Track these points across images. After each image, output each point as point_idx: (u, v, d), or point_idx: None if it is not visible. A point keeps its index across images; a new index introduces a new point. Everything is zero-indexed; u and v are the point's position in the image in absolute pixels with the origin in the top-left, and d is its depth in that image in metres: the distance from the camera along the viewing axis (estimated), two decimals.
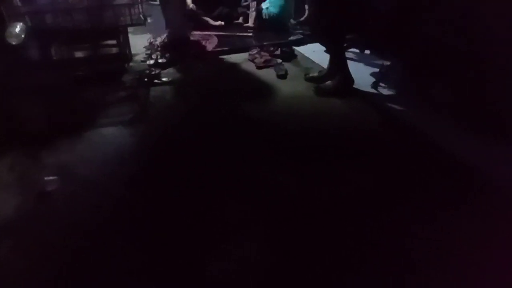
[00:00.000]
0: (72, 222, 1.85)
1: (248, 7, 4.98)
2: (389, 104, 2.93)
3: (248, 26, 4.80)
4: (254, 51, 4.03)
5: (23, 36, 2.86)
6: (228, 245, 1.69)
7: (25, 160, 2.30)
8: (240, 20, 5.01)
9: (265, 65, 3.78)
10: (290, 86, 3.32)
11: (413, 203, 1.90)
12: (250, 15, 4.86)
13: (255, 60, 3.88)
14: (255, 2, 4.86)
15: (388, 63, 3.22)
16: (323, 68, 3.45)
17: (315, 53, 4.00)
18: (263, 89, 3.29)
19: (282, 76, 3.52)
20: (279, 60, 3.85)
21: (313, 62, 3.84)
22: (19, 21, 3.02)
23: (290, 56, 3.97)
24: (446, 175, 2.11)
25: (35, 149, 2.39)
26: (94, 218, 1.87)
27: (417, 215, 1.83)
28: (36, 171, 2.20)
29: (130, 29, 3.85)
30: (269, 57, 3.89)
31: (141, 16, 3.49)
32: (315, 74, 3.38)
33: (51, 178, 2.10)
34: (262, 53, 3.99)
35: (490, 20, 2.36)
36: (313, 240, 1.71)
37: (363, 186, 2.03)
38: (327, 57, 3.29)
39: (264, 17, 4.72)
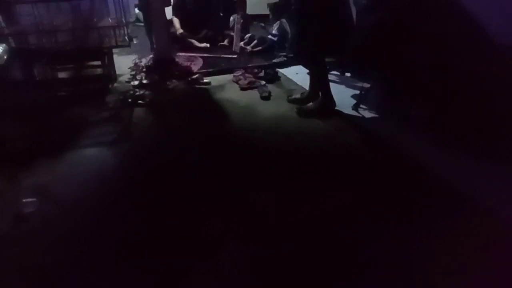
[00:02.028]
0: (50, 245, 1.81)
1: (233, 29, 5.10)
2: (370, 125, 3.00)
3: (234, 52, 4.88)
4: (239, 72, 4.10)
5: (5, 57, 2.86)
6: (207, 263, 1.68)
7: (3, 180, 2.27)
8: (225, 42, 5.12)
9: (249, 86, 3.84)
10: (273, 107, 3.38)
11: (393, 220, 1.93)
12: (235, 41, 4.97)
13: (239, 82, 3.94)
14: (240, 27, 4.98)
15: (368, 85, 3.32)
16: (305, 89, 3.53)
17: (298, 75, 4.10)
18: (247, 110, 3.34)
19: (266, 98, 3.59)
20: (263, 82, 3.93)
21: (296, 84, 3.93)
22: (2, 42, 3.03)
23: (274, 78, 4.06)
24: (426, 193, 2.15)
25: (14, 169, 2.35)
26: (73, 241, 1.83)
27: (397, 232, 1.85)
28: (15, 192, 2.16)
29: (115, 50, 3.89)
30: (253, 79, 3.96)
31: (126, 37, 3.55)
32: (298, 95, 3.45)
33: (29, 200, 2.06)
34: (247, 74, 4.06)
35: (465, 43, 2.49)
36: (293, 257, 1.71)
37: (343, 204, 2.06)
38: (309, 79, 3.37)
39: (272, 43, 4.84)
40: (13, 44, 3.26)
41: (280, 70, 4.27)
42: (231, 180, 2.31)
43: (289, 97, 3.47)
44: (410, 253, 1.72)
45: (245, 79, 3.96)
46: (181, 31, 5.01)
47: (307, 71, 3.86)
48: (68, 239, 1.85)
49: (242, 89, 3.82)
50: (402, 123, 2.96)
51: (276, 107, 3.37)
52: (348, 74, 3.86)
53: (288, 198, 2.13)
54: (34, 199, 2.08)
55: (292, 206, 2.06)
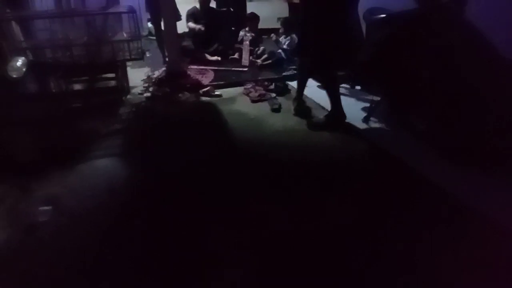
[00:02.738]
0: (60, 255, 1.83)
1: (242, 43, 5.18)
2: (379, 138, 2.99)
3: (244, 65, 4.93)
4: (249, 85, 4.14)
5: (24, 69, 2.94)
6: (213, 278, 1.68)
7: (16, 191, 2.31)
8: (236, 56, 5.18)
9: (260, 98, 3.87)
10: (283, 120, 3.39)
11: (402, 235, 1.90)
12: (243, 55, 5.04)
13: (250, 94, 3.98)
14: (248, 42, 5.06)
15: (377, 98, 3.31)
16: (315, 103, 3.54)
17: (308, 88, 4.11)
18: (257, 122, 3.36)
19: (276, 110, 3.61)
20: (273, 94, 3.95)
21: (306, 96, 3.93)
22: (21, 55, 3.12)
23: (284, 90, 4.08)
24: (435, 208, 2.13)
25: (27, 180, 2.40)
26: (82, 252, 1.85)
27: (406, 249, 1.82)
28: (26, 203, 2.20)
29: (128, 63, 3.97)
30: (264, 92, 3.99)
31: (139, 51, 3.62)
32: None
33: (44, 208, 2.10)
34: (257, 87, 4.10)
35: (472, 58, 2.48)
36: (299, 273, 1.70)
37: (350, 219, 2.04)
38: (319, 91, 3.38)
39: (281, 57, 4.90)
40: (30, 57, 3.36)
41: (290, 83, 4.30)
42: (241, 193, 2.31)
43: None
44: (415, 262, 1.69)
45: (255, 92, 4.00)
46: (199, 26, 5.09)
47: (317, 83, 3.90)
48: (78, 251, 1.86)
49: (253, 101, 3.85)
50: (410, 137, 2.94)
51: (286, 120, 3.38)
52: (358, 87, 3.85)
53: (296, 211, 2.12)
54: (49, 207, 2.12)
55: (299, 219, 2.06)
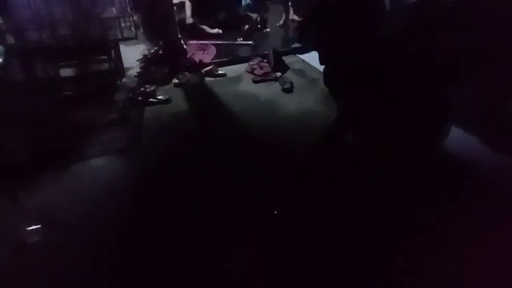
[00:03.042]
0: (54, 280, 1.57)
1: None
2: None
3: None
4: (255, 61, 3.76)
5: (1, 60, 2.58)
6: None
7: (2, 201, 2.02)
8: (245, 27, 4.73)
9: (263, 78, 3.49)
10: (297, 101, 3.04)
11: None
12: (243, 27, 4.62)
13: (255, 72, 3.61)
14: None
15: None
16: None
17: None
18: (267, 106, 3.01)
19: (288, 90, 3.25)
20: (279, 74, 3.56)
21: (320, 72, 3.55)
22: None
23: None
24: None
25: (14, 187, 2.11)
26: (80, 275, 1.58)
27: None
28: (15, 216, 1.92)
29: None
30: (269, 69, 3.60)
31: (132, 29, 3.22)
32: None
33: (32, 228, 1.82)
34: (262, 63, 3.72)
35: None
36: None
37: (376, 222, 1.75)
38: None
39: None
40: (10, 42, 2.98)
41: (301, 56, 3.91)
42: (252, 186, 2.03)
43: None
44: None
45: (260, 69, 3.62)
46: (190, 20, 4.64)
47: None
48: (74, 273, 1.59)
49: (257, 80, 3.48)
50: None
51: (300, 101, 3.03)
52: None
53: (312, 206, 1.85)
54: (38, 226, 1.84)
55: (316, 214, 1.79)
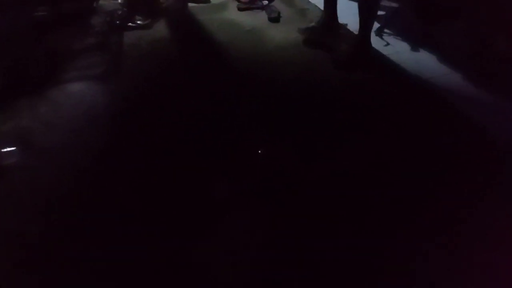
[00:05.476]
0: (33, 203, 1.59)
1: None
2: (395, 55, 2.61)
3: None
4: None
5: None
6: (215, 230, 1.48)
7: None
8: None
9: (248, 7, 3.31)
10: (284, 32, 2.93)
11: (425, 183, 1.69)
12: None
13: None
14: None
15: (395, 5, 2.83)
16: (320, 9, 3.02)
17: None
18: (253, 35, 2.90)
19: (275, 19, 3.11)
20: (266, 2, 3.37)
21: (308, 2, 3.40)
22: None
23: None
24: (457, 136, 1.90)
25: None
26: (58, 200, 1.61)
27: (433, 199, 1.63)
28: None
29: None
30: None
31: None
32: (312, 24, 2.80)
33: (8, 149, 1.81)
34: None
35: None
36: (311, 232, 1.50)
37: (367, 158, 1.80)
38: None
39: None
40: None
41: None
42: (238, 125, 2.02)
43: (300, 28, 2.80)
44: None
45: None
46: None
47: None
48: (52, 197, 1.61)
49: (240, 9, 3.30)
50: (436, 54, 2.57)
51: (287, 32, 2.92)
52: None
53: (304, 148, 1.87)
54: (14, 148, 1.82)
55: (309, 164, 1.79)
